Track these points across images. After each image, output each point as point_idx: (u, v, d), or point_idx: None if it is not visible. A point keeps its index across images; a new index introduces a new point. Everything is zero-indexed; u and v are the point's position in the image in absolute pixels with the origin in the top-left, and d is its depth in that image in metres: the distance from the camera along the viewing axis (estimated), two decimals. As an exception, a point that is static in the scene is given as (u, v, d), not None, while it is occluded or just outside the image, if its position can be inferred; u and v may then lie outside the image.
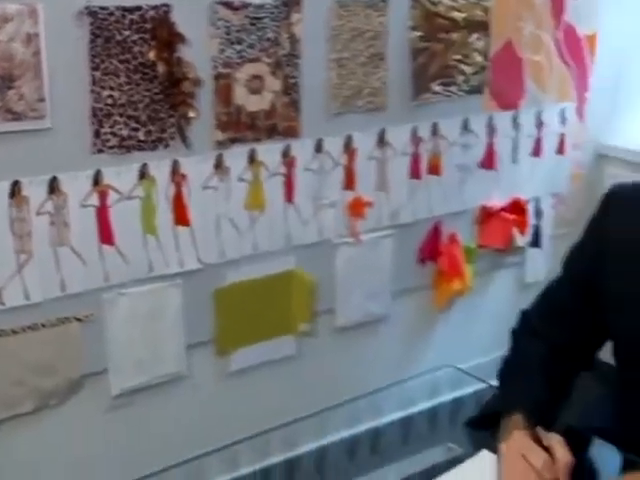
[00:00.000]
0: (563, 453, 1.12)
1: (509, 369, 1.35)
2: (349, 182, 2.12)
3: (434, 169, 2.25)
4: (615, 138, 2.56)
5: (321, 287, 2.16)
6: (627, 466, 1.22)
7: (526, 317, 1.41)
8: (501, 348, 2.24)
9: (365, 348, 2.33)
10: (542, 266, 2.50)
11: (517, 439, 1.17)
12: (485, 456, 1.22)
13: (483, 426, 1.26)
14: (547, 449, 1.13)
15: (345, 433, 2.35)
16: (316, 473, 2.21)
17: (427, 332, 2.44)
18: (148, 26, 1.72)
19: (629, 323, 1.21)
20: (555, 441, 1.14)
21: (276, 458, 2.23)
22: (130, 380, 1.92)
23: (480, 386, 2.04)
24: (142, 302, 1.89)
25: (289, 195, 2.03)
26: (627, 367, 1.25)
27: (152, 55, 1.73)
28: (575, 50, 2.39)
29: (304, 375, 2.22)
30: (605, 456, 1.29)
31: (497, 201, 2.40)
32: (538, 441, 1.15)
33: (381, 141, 2.14)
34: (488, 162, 2.35)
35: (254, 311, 2.07)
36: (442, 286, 2.37)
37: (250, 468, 2.18)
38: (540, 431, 1.16)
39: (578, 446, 1.30)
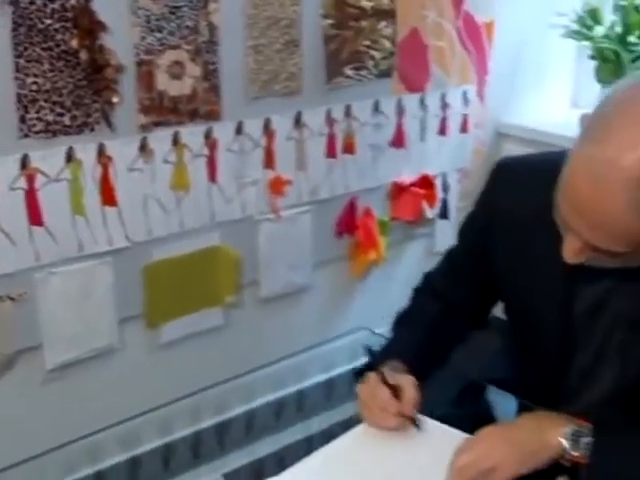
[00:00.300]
0: (410, 391, 1.18)
1: (400, 322, 1.41)
2: (269, 162, 2.14)
3: (348, 148, 2.28)
4: (513, 117, 2.62)
5: (245, 261, 2.17)
6: (522, 410, 1.29)
7: (428, 278, 1.46)
8: None
9: (289, 317, 2.36)
10: (450, 236, 2.51)
11: (369, 381, 1.22)
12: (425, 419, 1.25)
13: None
14: (397, 389, 1.18)
15: (272, 396, 2.38)
16: (246, 434, 2.25)
17: (346, 300, 2.48)
18: (69, 15, 1.70)
19: (516, 292, 1.26)
20: (403, 380, 1.20)
21: (207, 422, 2.25)
22: (64, 354, 1.91)
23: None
24: (73, 280, 1.88)
25: (212, 175, 2.04)
26: (516, 327, 1.31)
27: (74, 43, 1.71)
28: (474, 37, 2.43)
29: (232, 344, 2.24)
30: (503, 403, 1.36)
31: (407, 177, 2.44)
32: (386, 380, 1.20)
33: (298, 123, 2.16)
34: (398, 141, 2.38)
35: (182, 285, 2.08)
36: (359, 257, 2.41)
37: (183, 432, 2.20)
38: (389, 373, 1.20)
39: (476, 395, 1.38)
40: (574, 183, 0.99)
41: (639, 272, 1.09)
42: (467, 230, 1.39)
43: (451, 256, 1.43)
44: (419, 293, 1.46)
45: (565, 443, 1.06)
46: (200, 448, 2.16)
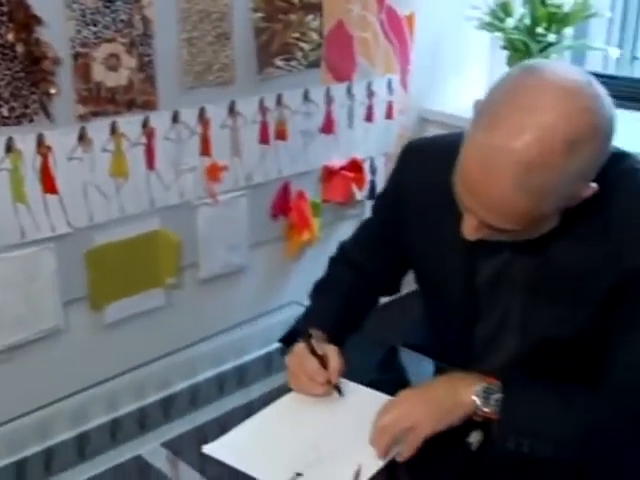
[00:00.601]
0: (335, 360, 1.21)
1: (317, 290, 1.43)
2: (205, 149, 2.14)
3: (281, 135, 2.30)
4: (434, 104, 2.67)
5: (185, 244, 2.18)
6: (438, 372, 1.34)
7: (343, 247, 1.48)
8: None
9: (228, 296, 2.37)
10: (378, 216, 2.61)
11: (297, 351, 1.24)
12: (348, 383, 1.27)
13: (292, 342, 1.30)
14: (324, 358, 1.21)
15: (214, 371, 2.39)
16: (190, 406, 2.26)
17: (281, 278, 2.51)
18: (5, 9, 1.67)
19: (424, 265, 1.30)
20: (329, 350, 1.23)
21: (152, 397, 2.25)
22: (10, 337, 1.90)
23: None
24: (17, 265, 1.86)
25: (150, 162, 2.04)
26: (426, 296, 1.35)
27: (10, 37, 1.68)
28: (397, 29, 2.46)
29: (173, 323, 2.24)
30: (422, 367, 1.40)
31: (337, 161, 2.47)
32: (314, 351, 1.22)
33: (232, 111, 2.17)
34: (328, 127, 2.41)
35: (124, 268, 2.07)
36: (293, 237, 2.43)
37: (129, 408, 2.19)
38: (316, 343, 1.23)
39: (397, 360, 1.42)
40: (467, 168, 1.02)
41: (533, 244, 1.12)
42: (379, 205, 1.41)
43: (365, 228, 1.45)
44: (335, 262, 1.47)
45: (477, 400, 1.10)
46: (146, 421, 2.16)
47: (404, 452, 1.09)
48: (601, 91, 1.01)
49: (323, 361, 1.21)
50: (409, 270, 1.39)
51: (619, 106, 2.62)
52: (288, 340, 1.33)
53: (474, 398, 1.10)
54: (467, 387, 1.11)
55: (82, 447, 1.95)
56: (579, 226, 1.10)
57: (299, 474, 1.03)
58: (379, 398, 1.19)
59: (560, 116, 0.96)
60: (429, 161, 1.26)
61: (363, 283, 1.40)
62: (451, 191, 1.08)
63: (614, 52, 2.43)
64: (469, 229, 1.08)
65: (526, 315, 1.18)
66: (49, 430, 2.06)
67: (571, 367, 1.15)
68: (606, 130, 1.00)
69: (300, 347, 1.24)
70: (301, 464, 1.05)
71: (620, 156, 1.13)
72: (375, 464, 1.06)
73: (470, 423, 1.11)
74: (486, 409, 1.10)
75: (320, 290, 1.43)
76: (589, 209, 1.07)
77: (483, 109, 1.03)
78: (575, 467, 1.08)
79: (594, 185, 1.03)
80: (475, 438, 1.09)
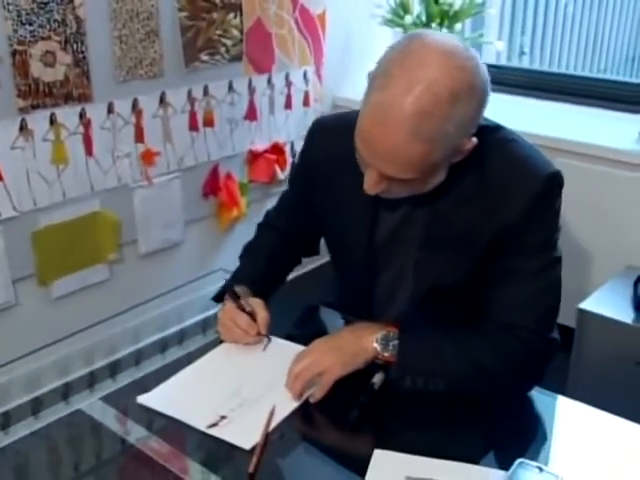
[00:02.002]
0: (262, 313, 1.25)
1: (245, 252, 1.46)
2: (139, 137, 2.14)
3: (208, 122, 2.31)
4: (346, 92, 2.72)
5: (124, 223, 2.18)
6: (347, 324, 1.38)
7: (267, 215, 1.51)
8: None
9: (166, 268, 2.39)
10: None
11: (227, 309, 1.28)
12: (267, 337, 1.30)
13: (223, 299, 1.33)
14: (252, 313, 1.25)
15: (156, 337, 2.40)
16: (135, 369, 2.27)
17: (214, 251, 2.53)
18: (-57, 11, 1.64)
19: (331, 225, 1.33)
20: (256, 304, 1.26)
21: (100, 363, 2.25)
22: (-37, 313, 1.88)
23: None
24: (-34, 247, 1.84)
25: (89, 150, 2.03)
26: (333, 255, 1.39)
27: (-50, 36, 1.65)
28: (310, 26, 2.50)
29: (117, 295, 2.24)
30: (334, 321, 1.44)
31: (261, 145, 2.50)
32: (243, 308, 1.26)
33: (162, 102, 2.17)
34: (251, 115, 2.43)
35: (68, 247, 2.07)
36: (223, 214, 2.46)
37: (79, 373, 2.19)
38: (244, 299, 1.27)
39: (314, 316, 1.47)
40: (366, 125, 1.03)
41: (424, 205, 1.16)
42: (293, 177, 1.44)
43: (283, 198, 1.46)
44: (261, 227, 1.50)
45: (377, 346, 1.14)
46: (95, 385, 2.17)
47: (317, 394, 1.13)
48: (476, 56, 1.05)
49: (252, 315, 1.25)
50: (320, 236, 1.42)
51: (507, 92, 2.73)
52: (220, 297, 1.36)
53: (375, 345, 1.14)
54: (369, 335, 1.15)
55: (36, 410, 1.95)
56: (462, 189, 1.14)
57: (223, 417, 1.07)
58: (295, 349, 1.23)
59: (444, 72, 1.00)
60: (333, 134, 1.28)
61: (284, 245, 1.43)
62: (353, 158, 1.11)
63: (500, 45, 2.52)
64: (370, 184, 1.09)
65: (418, 266, 1.21)
66: (5, 396, 2.05)
67: (457, 312, 1.20)
68: (482, 87, 1.04)
69: (230, 304, 1.27)
70: (225, 408, 1.09)
71: (496, 128, 1.18)
72: (289, 405, 1.10)
73: (373, 366, 1.15)
74: (385, 353, 1.14)
75: (247, 252, 1.45)
76: (470, 173, 1.13)
77: (376, 74, 1.05)
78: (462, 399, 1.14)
79: (474, 139, 1.07)
80: (378, 379, 1.13)
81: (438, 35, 1.07)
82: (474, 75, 1.03)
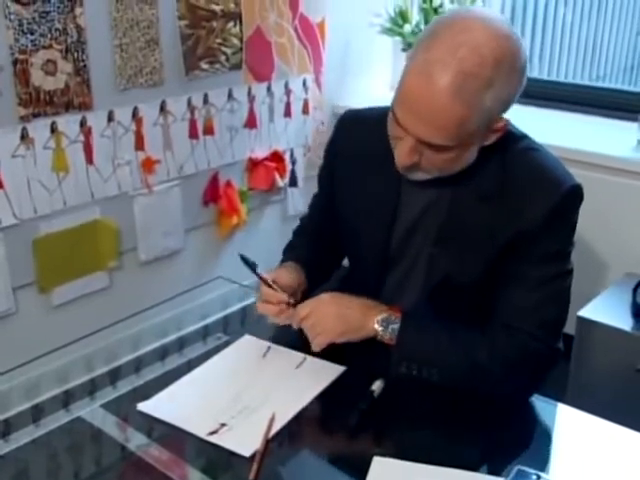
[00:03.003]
0: (282, 279, 1.27)
1: (287, 250, 1.46)
2: (139, 144, 2.15)
3: (208, 130, 2.32)
4: (345, 100, 2.72)
5: (124, 231, 2.19)
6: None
7: (301, 220, 1.51)
8: (271, 266, 2.32)
9: (166, 276, 2.39)
10: (299, 201, 2.65)
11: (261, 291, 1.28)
12: (247, 339, 1.35)
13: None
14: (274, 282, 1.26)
15: (156, 344, 2.40)
16: (135, 376, 2.27)
17: (215, 259, 2.53)
18: (-55, 20, 1.65)
19: (352, 218, 1.31)
20: (279, 273, 1.29)
21: (100, 370, 2.25)
22: (-36, 321, 1.88)
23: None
24: (-33, 255, 1.85)
25: (89, 158, 2.04)
26: (348, 246, 1.37)
27: (-48, 45, 1.66)
28: (309, 34, 2.51)
29: (117, 302, 2.24)
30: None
31: (260, 153, 2.50)
32: (264, 280, 1.26)
33: (163, 110, 2.18)
34: (251, 123, 2.44)
35: (69, 254, 2.07)
36: (223, 222, 2.46)
37: (79, 380, 2.19)
38: (267, 275, 1.28)
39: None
40: (409, 85, 1.04)
41: (447, 195, 1.17)
42: (320, 174, 1.42)
43: (314, 201, 1.46)
44: (296, 233, 1.49)
45: (377, 327, 1.16)
46: (95, 392, 2.17)
47: (313, 348, 1.18)
48: (520, 36, 1.08)
49: (272, 286, 1.25)
50: None
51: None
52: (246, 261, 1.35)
53: (375, 326, 1.16)
54: (373, 315, 1.17)
55: (36, 417, 1.95)
56: (483, 186, 1.15)
57: (223, 424, 1.07)
58: (295, 356, 1.25)
59: (490, 38, 1.03)
60: (361, 127, 1.29)
61: (321, 247, 1.42)
62: (379, 150, 1.13)
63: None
64: (403, 154, 1.09)
65: (432, 260, 1.22)
66: (6, 404, 2.06)
67: (464, 309, 1.20)
68: (523, 64, 1.07)
69: (262, 288, 1.27)
70: (225, 415, 1.09)
71: (522, 136, 1.21)
72: (289, 412, 1.10)
73: (373, 373, 1.15)
74: (385, 336, 1.16)
75: (289, 250, 1.45)
76: (493, 172, 1.15)
77: (421, 38, 1.07)
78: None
79: (506, 119, 1.09)
80: (377, 387, 1.13)
81: (484, 8, 1.10)
82: (518, 47, 1.06)
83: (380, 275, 1.29)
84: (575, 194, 1.16)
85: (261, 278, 1.27)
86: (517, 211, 1.14)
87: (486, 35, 1.03)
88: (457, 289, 1.21)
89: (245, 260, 1.30)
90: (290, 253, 1.42)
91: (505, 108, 1.09)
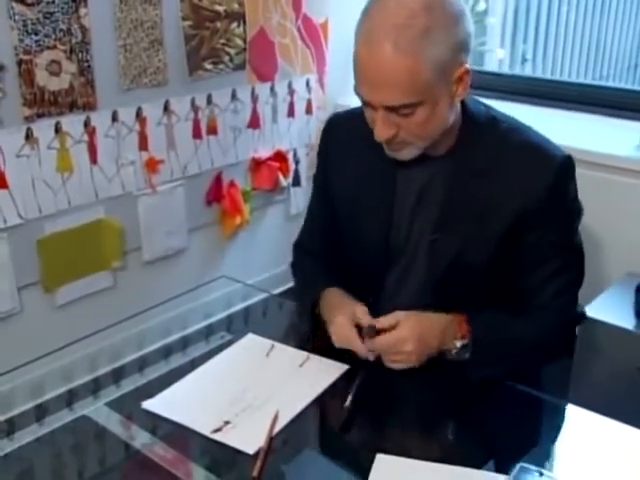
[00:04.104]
0: (359, 310, 1.19)
1: (299, 281, 1.40)
2: (143, 144, 2.16)
3: (212, 130, 2.33)
4: (348, 100, 2.67)
5: (128, 230, 2.20)
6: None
7: (297, 247, 1.45)
8: (275, 265, 2.33)
9: (169, 276, 2.40)
10: (302, 200, 2.65)
11: (339, 323, 1.20)
12: (251, 337, 1.34)
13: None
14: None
15: (160, 343, 2.41)
16: (139, 375, 2.28)
17: (218, 258, 2.54)
18: (-50, 21, 1.66)
19: (349, 216, 1.31)
20: (359, 311, 1.20)
21: (104, 369, 2.26)
22: (-31, 320, 1.89)
23: (262, 295, 2.19)
24: (-28, 255, 1.86)
25: (93, 158, 2.05)
26: (346, 243, 1.34)
27: (-43, 46, 1.67)
28: (313, 35, 2.52)
29: (121, 301, 2.26)
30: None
31: (264, 153, 2.51)
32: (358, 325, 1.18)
33: (166, 110, 2.19)
34: (254, 123, 2.45)
35: (73, 254, 2.08)
36: (227, 221, 2.47)
37: (83, 380, 2.20)
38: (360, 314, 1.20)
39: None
40: (357, 59, 1.10)
41: (442, 177, 1.18)
42: (316, 183, 1.41)
43: (312, 213, 1.43)
44: (295, 264, 1.44)
45: (455, 353, 1.16)
46: (99, 391, 2.18)
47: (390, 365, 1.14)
48: None
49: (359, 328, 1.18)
50: None
51: (509, 100, 2.74)
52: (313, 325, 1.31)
53: (454, 352, 1.16)
54: (451, 342, 1.16)
55: (40, 416, 1.96)
56: (477, 166, 1.17)
57: (227, 422, 1.08)
58: (298, 355, 1.25)
59: None
60: (347, 123, 1.31)
61: (327, 264, 1.37)
62: (371, 148, 1.14)
63: (500, 53, 2.54)
64: (379, 126, 1.11)
65: (434, 247, 1.22)
66: (10, 403, 2.06)
67: (475, 295, 1.21)
68: (456, 7, 1.08)
69: (340, 319, 1.20)
70: (229, 413, 1.10)
71: (507, 118, 1.23)
72: (293, 410, 1.11)
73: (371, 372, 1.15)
74: (459, 357, 1.16)
75: (301, 280, 1.41)
76: (484, 152, 1.17)
77: (358, 21, 1.11)
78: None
79: (467, 66, 1.11)
80: (349, 401, 1.11)
81: None
82: None
83: (382, 269, 1.28)
84: (568, 164, 1.20)
85: (357, 325, 1.19)
86: (514, 191, 1.16)
87: None
88: (467, 271, 1.21)
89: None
90: (317, 280, 1.34)
91: (456, 55, 1.09)
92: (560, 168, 1.18)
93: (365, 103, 1.13)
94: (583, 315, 1.32)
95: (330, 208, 1.34)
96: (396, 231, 1.25)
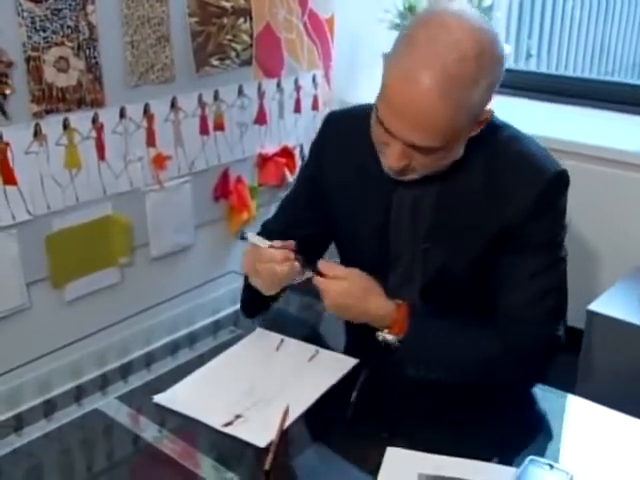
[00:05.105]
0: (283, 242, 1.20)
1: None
2: (151, 141, 2.16)
3: (219, 126, 2.33)
4: (354, 96, 2.68)
5: (135, 226, 2.20)
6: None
7: (265, 226, 1.43)
8: None
9: (177, 272, 2.40)
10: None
11: (250, 251, 1.24)
12: (260, 332, 1.36)
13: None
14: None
15: (167, 339, 2.42)
16: (147, 371, 2.28)
17: (225, 254, 2.54)
18: (-41, 18, 1.67)
19: (344, 222, 1.31)
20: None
21: (112, 365, 2.27)
22: (-21, 316, 1.90)
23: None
24: (-18, 251, 1.86)
25: (101, 154, 2.05)
26: (343, 249, 1.37)
27: (-34, 43, 1.68)
28: (319, 30, 2.51)
29: (129, 297, 2.26)
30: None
31: (270, 149, 2.51)
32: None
33: (174, 106, 2.19)
34: (261, 119, 2.45)
35: (81, 250, 2.08)
36: (233, 217, 2.46)
37: (91, 375, 2.20)
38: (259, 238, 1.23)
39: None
40: (394, 90, 1.03)
41: (432, 193, 1.17)
42: (303, 176, 1.40)
43: (286, 206, 1.41)
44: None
45: (387, 336, 1.16)
46: (107, 387, 2.18)
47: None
48: (489, 22, 1.08)
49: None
50: (329, 239, 1.39)
51: (514, 95, 2.74)
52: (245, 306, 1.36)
53: (386, 336, 1.16)
54: (385, 319, 1.16)
55: (49, 412, 1.96)
56: (471, 181, 1.15)
57: (238, 415, 1.09)
58: (308, 349, 1.26)
59: (467, 33, 1.02)
60: (348, 127, 1.28)
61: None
62: (369, 152, 1.12)
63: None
64: (393, 158, 1.08)
65: (425, 255, 1.22)
66: (18, 399, 2.07)
67: (464, 302, 1.20)
68: (502, 52, 1.07)
69: (250, 248, 1.23)
70: (240, 407, 1.11)
71: (504, 125, 1.21)
72: (303, 404, 1.12)
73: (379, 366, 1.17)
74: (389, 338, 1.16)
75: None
76: (479, 166, 1.14)
77: (398, 45, 1.06)
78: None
79: (491, 109, 1.09)
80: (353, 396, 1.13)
81: (455, 4, 1.09)
82: (495, 37, 1.06)
83: (380, 274, 1.26)
84: (560, 180, 1.16)
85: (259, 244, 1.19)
86: (504, 201, 1.14)
87: (463, 32, 1.02)
88: (453, 282, 1.21)
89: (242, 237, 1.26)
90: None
91: (489, 99, 1.09)
92: (551, 181, 1.15)
93: (384, 127, 1.08)
94: (560, 340, 1.18)
95: (314, 202, 1.32)
96: (392, 240, 1.25)
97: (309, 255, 1.38)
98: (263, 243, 1.20)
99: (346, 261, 1.36)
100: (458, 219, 1.18)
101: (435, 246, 1.21)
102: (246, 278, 1.34)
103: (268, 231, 1.38)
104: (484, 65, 1.03)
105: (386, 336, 1.18)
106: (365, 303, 1.17)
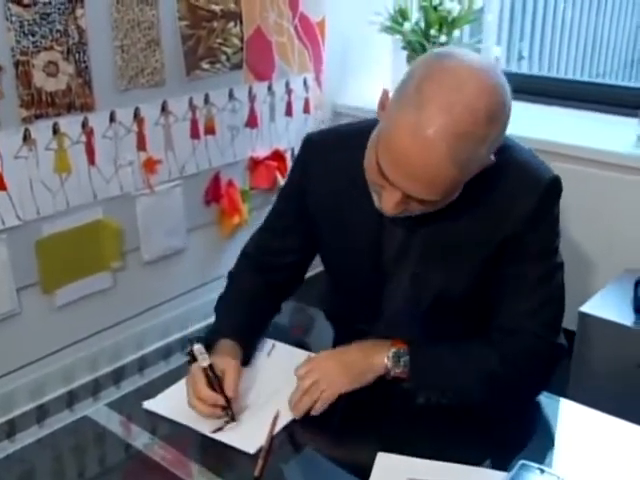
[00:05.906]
0: (230, 378, 1.11)
1: (222, 303, 1.31)
2: (141, 145, 2.16)
3: (210, 130, 2.33)
4: (345, 99, 2.73)
5: (126, 231, 2.20)
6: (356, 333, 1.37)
7: (243, 256, 1.38)
8: None
9: (169, 276, 2.40)
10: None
11: (194, 373, 1.12)
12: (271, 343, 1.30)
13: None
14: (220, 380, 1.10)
15: (160, 343, 2.41)
16: (139, 376, 2.28)
17: (217, 258, 2.54)
18: (-53, 23, 1.66)
19: (333, 250, 1.28)
20: (227, 367, 1.12)
21: (104, 370, 2.27)
22: (-32, 322, 1.89)
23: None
24: (-29, 257, 1.85)
25: (91, 159, 2.05)
26: (337, 279, 1.34)
27: (-46, 48, 1.67)
28: (310, 33, 2.51)
29: (121, 302, 2.26)
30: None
31: (262, 152, 2.51)
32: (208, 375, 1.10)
33: (164, 110, 2.19)
34: (252, 122, 2.45)
35: (72, 255, 2.08)
36: (225, 221, 2.47)
37: (83, 380, 2.20)
38: (215, 364, 1.12)
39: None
40: (402, 146, 0.99)
41: (426, 222, 1.14)
42: (284, 198, 1.34)
43: (271, 224, 1.35)
44: (235, 274, 1.37)
45: (388, 363, 1.12)
46: (99, 393, 2.18)
47: (318, 408, 1.10)
48: (501, 72, 1.04)
49: (220, 382, 1.10)
50: (311, 261, 1.35)
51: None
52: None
53: (386, 362, 1.12)
54: (378, 352, 1.13)
55: (41, 417, 1.95)
56: (470, 197, 1.11)
57: (228, 421, 1.08)
58: (300, 354, 1.25)
59: (482, 91, 0.98)
60: (331, 150, 1.24)
61: (266, 291, 1.31)
62: (356, 176, 1.09)
63: (497, 51, 2.54)
64: (391, 205, 1.06)
65: (418, 279, 1.20)
66: (10, 404, 2.06)
67: (464, 324, 1.19)
68: (509, 104, 1.04)
69: (196, 369, 1.12)
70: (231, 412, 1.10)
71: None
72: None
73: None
74: (397, 370, 1.12)
75: (224, 304, 1.31)
76: (475, 187, 1.10)
77: (406, 92, 1.02)
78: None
79: (493, 157, 1.06)
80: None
81: (468, 53, 1.05)
82: (506, 93, 1.02)
83: (375, 300, 1.25)
84: (554, 187, 1.15)
85: (208, 376, 1.10)
86: (500, 215, 1.13)
87: (478, 90, 0.98)
88: (452, 305, 1.19)
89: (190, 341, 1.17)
90: (228, 315, 1.27)
91: (495, 148, 1.06)
92: (547, 189, 1.13)
93: (382, 174, 1.04)
94: (564, 348, 1.17)
95: (299, 223, 1.28)
96: (386, 267, 1.22)
97: (290, 281, 1.35)
98: (204, 361, 1.11)
99: (336, 276, 1.33)
100: (452, 239, 1.16)
101: (428, 270, 1.19)
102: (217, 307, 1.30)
103: (247, 261, 1.35)
104: (495, 124, 1.00)
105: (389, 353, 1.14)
106: (349, 358, 1.14)
